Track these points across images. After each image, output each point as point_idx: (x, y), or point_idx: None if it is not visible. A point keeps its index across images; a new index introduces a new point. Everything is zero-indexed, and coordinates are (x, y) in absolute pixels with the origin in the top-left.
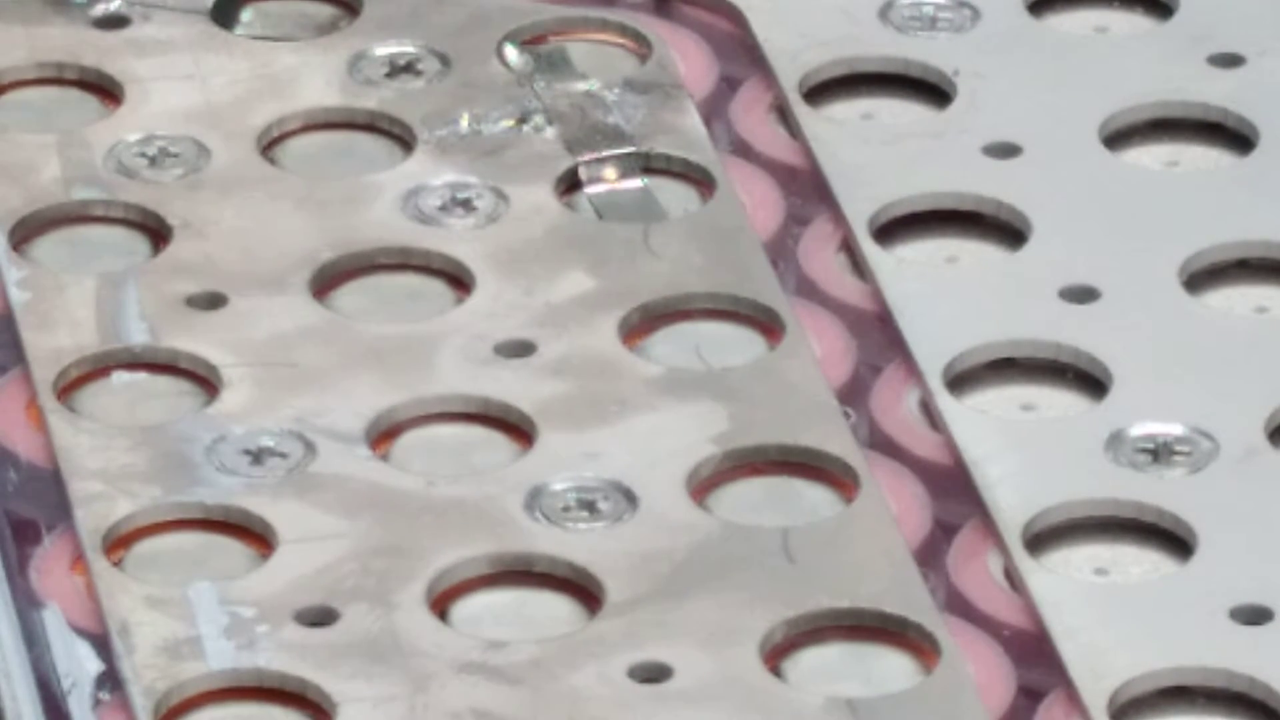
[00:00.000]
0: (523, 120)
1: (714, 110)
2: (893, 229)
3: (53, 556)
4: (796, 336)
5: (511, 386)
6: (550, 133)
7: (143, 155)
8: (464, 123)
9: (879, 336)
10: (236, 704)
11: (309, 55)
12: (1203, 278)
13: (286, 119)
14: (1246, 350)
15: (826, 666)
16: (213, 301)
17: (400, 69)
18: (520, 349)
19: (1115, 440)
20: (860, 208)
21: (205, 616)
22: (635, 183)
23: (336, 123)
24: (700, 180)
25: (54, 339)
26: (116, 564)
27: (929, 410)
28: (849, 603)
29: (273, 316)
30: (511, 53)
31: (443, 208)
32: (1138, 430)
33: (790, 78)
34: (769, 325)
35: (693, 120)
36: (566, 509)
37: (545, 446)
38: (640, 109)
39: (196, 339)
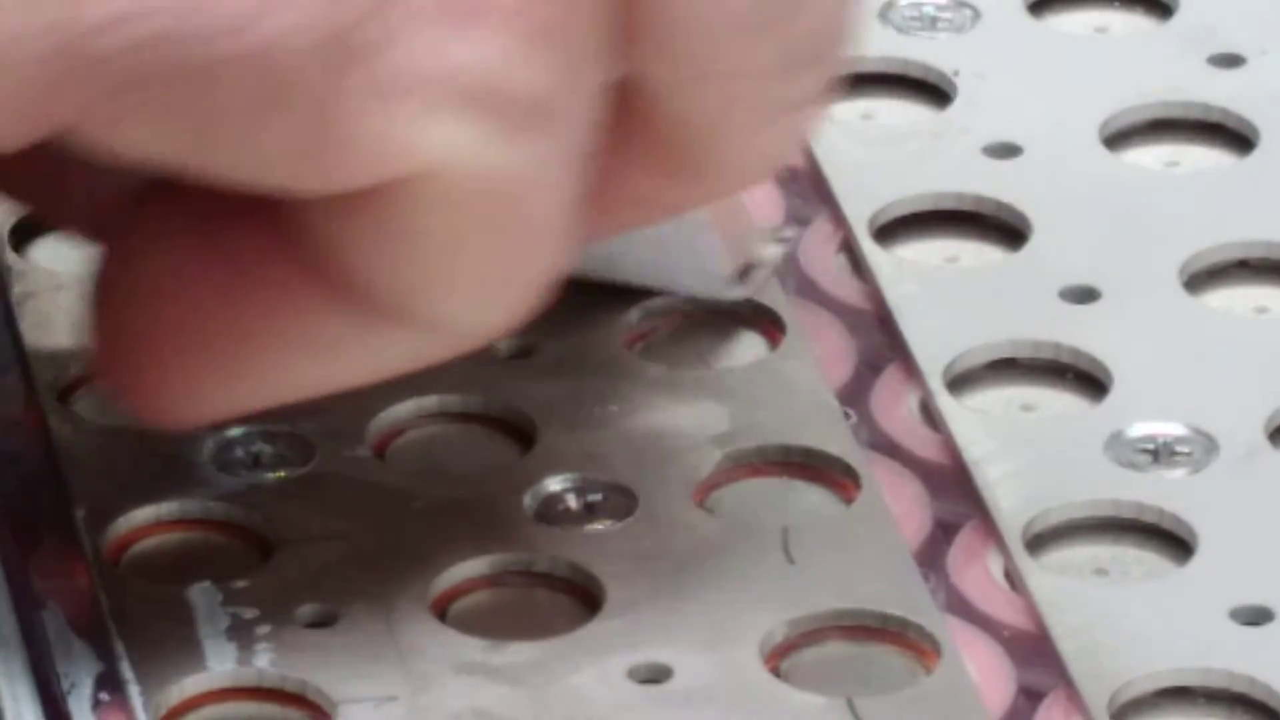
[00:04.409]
0: None
1: None
2: (893, 229)
3: (53, 556)
4: (796, 336)
5: (512, 386)
6: None
7: None
8: None
9: (879, 336)
10: (236, 704)
11: None
12: (1203, 278)
13: None
14: (1246, 350)
15: (826, 666)
16: None
17: None
18: (520, 349)
19: (1115, 440)
20: (860, 208)
21: (205, 617)
22: None
23: None
24: None
25: (54, 339)
26: (116, 564)
27: (929, 410)
28: (849, 603)
29: None
30: None
31: None
32: (1138, 430)
33: None
34: (769, 325)
35: None
36: (567, 509)
37: (545, 446)
38: None
39: None
